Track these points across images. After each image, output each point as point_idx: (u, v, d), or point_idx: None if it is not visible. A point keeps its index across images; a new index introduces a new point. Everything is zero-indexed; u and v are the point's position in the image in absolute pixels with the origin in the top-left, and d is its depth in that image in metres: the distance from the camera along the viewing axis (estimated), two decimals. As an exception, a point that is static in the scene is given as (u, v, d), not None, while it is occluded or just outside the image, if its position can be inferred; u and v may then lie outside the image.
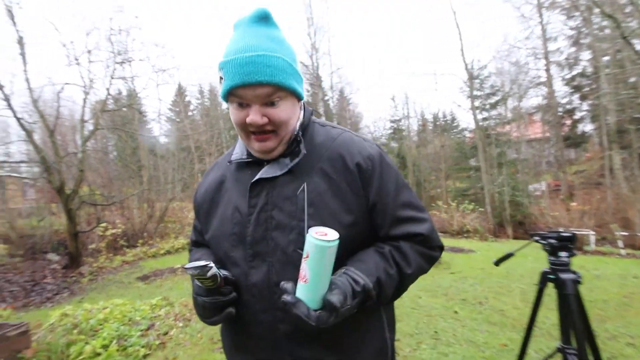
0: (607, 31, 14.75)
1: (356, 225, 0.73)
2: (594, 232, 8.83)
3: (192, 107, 31.37)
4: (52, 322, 3.37)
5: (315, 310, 0.61)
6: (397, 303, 3.99)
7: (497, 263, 1.39)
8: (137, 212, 10.96)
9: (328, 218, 0.71)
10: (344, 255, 0.70)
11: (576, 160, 22.64)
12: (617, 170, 13.64)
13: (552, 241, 1.13)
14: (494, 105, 17.95)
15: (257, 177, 0.74)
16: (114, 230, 8.45)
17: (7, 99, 6.71)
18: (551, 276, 1.17)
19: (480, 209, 12.34)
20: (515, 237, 12.78)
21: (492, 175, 15.10)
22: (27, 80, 7.21)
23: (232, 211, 0.77)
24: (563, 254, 1.13)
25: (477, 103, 17.04)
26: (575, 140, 21.33)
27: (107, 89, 8.69)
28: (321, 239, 0.59)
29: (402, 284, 0.76)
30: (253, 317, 0.74)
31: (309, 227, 0.66)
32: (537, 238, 1.19)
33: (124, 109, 10.84)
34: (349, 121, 26.79)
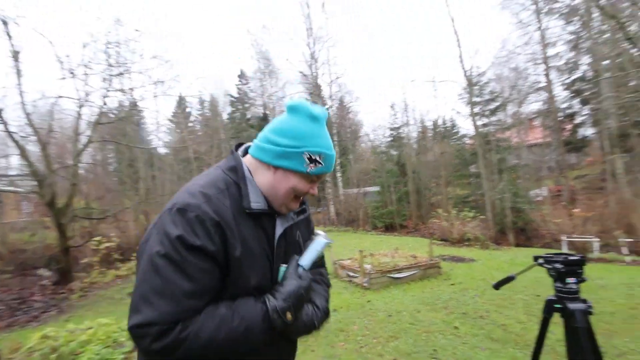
0: (607, 35, 14.73)
1: None
2: (597, 239, 8.62)
3: (192, 118, 31.48)
4: (31, 345, 3.19)
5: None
6: (395, 318, 3.75)
7: (497, 287, 1.24)
8: (133, 224, 10.80)
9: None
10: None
11: (577, 165, 22.43)
12: (619, 174, 13.45)
13: (558, 266, 0.98)
14: (493, 112, 17.87)
15: (281, 229, 0.95)
16: (108, 244, 8.27)
17: (-1, 112, 6.63)
18: (557, 305, 1.00)
19: (481, 216, 12.13)
20: (517, 245, 12.53)
21: (493, 181, 14.92)
22: (20, 93, 7.15)
23: (262, 257, 0.89)
24: (571, 280, 0.98)
25: (476, 109, 16.97)
26: (576, 145, 21.18)
27: (104, 102, 8.63)
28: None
29: None
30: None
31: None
32: (541, 261, 1.03)
33: (122, 121, 10.77)
34: (348, 129, 26.74)
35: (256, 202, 0.89)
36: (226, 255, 0.83)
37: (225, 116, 29.51)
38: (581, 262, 0.96)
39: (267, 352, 0.90)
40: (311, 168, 0.89)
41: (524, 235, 13.43)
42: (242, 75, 29.83)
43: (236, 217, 0.85)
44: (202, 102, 31.81)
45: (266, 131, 0.93)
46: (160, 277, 0.76)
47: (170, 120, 27.62)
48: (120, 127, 11.06)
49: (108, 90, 8.66)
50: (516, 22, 21.70)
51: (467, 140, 20.90)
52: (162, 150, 22.00)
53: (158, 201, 12.06)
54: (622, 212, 10.74)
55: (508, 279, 1.21)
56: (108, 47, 8.65)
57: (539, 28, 19.39)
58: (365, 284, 5.72)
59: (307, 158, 0.88)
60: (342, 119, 26.37)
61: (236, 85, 30.12)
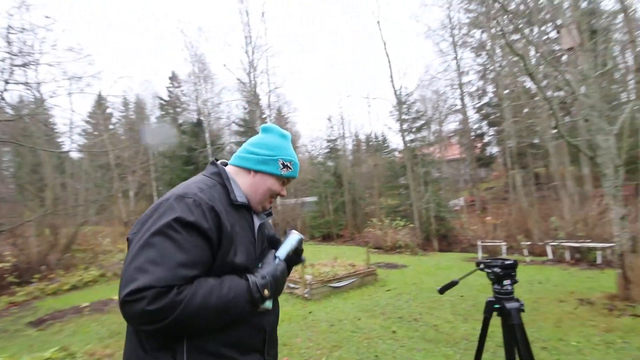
0: (507, 68, 17.37)
1: None
2: (505, 243, 9.95)
3: (114, 120, 28.43)
4: None
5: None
6: (337, 328, 3.78)
7: (442, 291, 1.35)
8: (35, 240, 9.22)
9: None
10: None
11: (486, 178, 25.68)
12: (518, 187, 15.80)
13: (497, 270, 1.11)
14: (419, 129, 19.62)
15: (258, 223, 1.13)
16: (0, 264, 6.92)
17: None
18: (496, 305, 1.14)
19: (410, 225, 13.09)
20: (441, 250, 13.78)
21: (419, 192, 16.28)
22: None
23: (248, 243, 1.04)
24: (506, 282, 1.12)
25: (405, 126, 18.43)
26: (485, 161, 24.33)
27: (0, 95, 7.29)
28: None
29: None
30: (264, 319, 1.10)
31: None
32: (482, 266, 1.16)
33: (26, 120, 9.21)
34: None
35: (240, 197, 1.08)
36: (219, 234, 0.94)
37: (153, 120, 27.34)
38: (515, 266, 1.11)
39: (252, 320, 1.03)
40: (284, 172, 1.13)
41: (446, 242, 14.85)
42: (174, 78, 28.05)
43: (225, 207, 1.01)
44: (126, 103, 29.03)
45: (246, 146, 1.16)
46: (155, 250, 0.85)
47: (87, 122, 24.58)
48: (23, 126, 9.46)
49: (8, 83, 7.36)
50: (437, 51, 24.47)
51: (397, 154, 22.57)
52: (76, 155, 19.36)
53: (70, 212, 10.52)
54: (521, 219, 12.57)
55: (452, 284, 1.32)
56: (10, 32, 7.38)
57: (455, 58, 22.12)
58: (306, 295, 5.71)
59: (281, 164, 1.13)
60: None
61: (167, 87, 28.22)
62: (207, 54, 37.42)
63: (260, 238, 1.12)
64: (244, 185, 1.12)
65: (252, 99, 20.85)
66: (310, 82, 45.07)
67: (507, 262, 1.10)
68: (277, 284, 1.04)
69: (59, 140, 17.74)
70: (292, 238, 1.16)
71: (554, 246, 8.73)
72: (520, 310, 1.11)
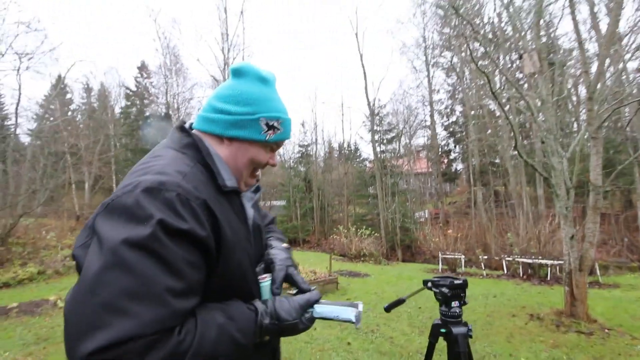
0: (474, 90, 18.29)
1: None
2: (464, 256, 10.26)
3: (72, 106, 26.60)
4: None
5: None
6: (291, 338, 3.54)
7: (388, 309, 1.24)
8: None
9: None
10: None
11: (450, 193, 26.71)
12: (479, 203, 16.50)
13: (445, 290, 1.02)
14: (390, 141, 20.06)
15: (249, 208, 0.87)
16: None
17: None
18: (443, 330, 1.04)
19: (375, 234, 13.21)
20: (404, 260, 14.03)
21: (387, 202, 16.54)
22: None
23: (245, 240, 0.79)
24: (455, 303, 1.03)
25: (376, 137, 18.75)
26: (450, 176, 25.31)
27: None
28: (266, 282, 0.85)
29: None
30: None
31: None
32: (429, 285, 1.07)
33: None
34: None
35: (229, 180, 0.78)
36: (218, 241, 0.68)
37: (117, 110, 25.82)
38: (465, 286, 1.03)
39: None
40: (270, 135, 0.80)
41: (410, 252, 15.15)
42: (143, 68, 26.76)
43: (214, 194, 0.72)
44: (88, 89, 27.29)
45: (211, 100, 0.80)
46: (134, 275, 0.55)
47: (41, 105, 22.79)
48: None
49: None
50: (411, 67, 25.30)
51: (368, 164, 22.94)
52: (25, 139, 17.81)
53: (9, 202, 9.54)
54: (480, 233, 13.09)
55: (398, 302, 1.22)
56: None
57: (428, 76, 23.00)
58: (263, 302, 5.49)
59: (264, 124, 0.79)
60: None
61: (135, 77, 26.86)
62: (180, 46, 36.13)
63: (253, 225, 0.86)
64: (224, 159, 0.81)
65: (226, 97, 20.32)
66: (285, 86, 44.96)
67: (456, 282, 1.01)
68: (281, 335, 0.78)
69: (8, 122, 16.23)
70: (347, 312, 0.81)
71: (509, 261, 9.11)
72: (468, 336, 1.01)
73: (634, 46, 4.39)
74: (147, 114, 25.21)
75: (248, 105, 0.78)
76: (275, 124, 0.81)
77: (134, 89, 26.49)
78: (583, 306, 4.26)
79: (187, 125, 0.84)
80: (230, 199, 0.78)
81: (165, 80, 23.27)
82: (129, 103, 26.34)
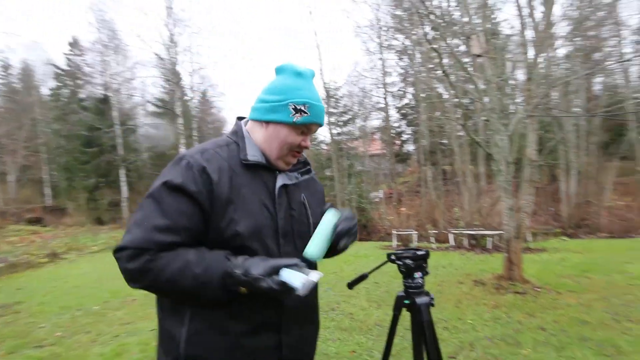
0: (424, 74, 18.93)
1: None
2: (416, 231, 10.87)
3: (-15, 86, 23.05)
4: None
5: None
6: None
7: (351, 286, 1.23)
8: None
9: (317, 217, 1.00)
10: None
11: (403, 173, 27.91)
12: (429, 181, 17.49)
13: (408, 261, 1.02)
14: (345, 123, 20.23)
15: (282, 182, 0.98)
16: None
17: None
18: (406, 301, 1.06)
19: (334, 215, 13.43)
20: (360, 239, 14.49)
21: (343, 184, 16.84)
22: None
23: (260, 207, 0.91)
24: (417, 274, 1.04)
25: (332, 119, 18.80)
26: (402, 157, 26.37)
27: None
28: (332, 213, 0.97)
29: None
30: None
31: (312, 223, 1.01)
32: (393, 258, 1.07)
33: None
34: (210, 125, 25.13)
35: (253, 155, 0.95)
36: (210, 197, 0.85)
37: (46, 91, 22.95)
38: (427, 257, 1.04)
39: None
40: (297, 117, 0.93)
41: (366, 231, 15.68)
42: (74, 44, 23.77)
43: (233, 167, 0.91)
44: (6, 67, 23.82)
45: (259, 94, 1.00)
46: (142, 212, 0.85)
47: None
48: None
49: None
50: (365, 50, 25.48)
51: (324, 146, 23.02)
52: None
53: None
54: (430, 210, 13.91)
55: (361, 278, 1.22)
56: None
57: (381, 58, 23.32)
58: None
59: (292, 108, 0.93)
60: (203, 113, 24.55)
61: (65, 54, 23.82)
62: (118, 20, 32.64)
63: (286, 201, 0.97)
64: (259, 140, 0.97)
65: (172, 78, 18.91)
66: (238, 67, 42.96)
67: (419, 253, 1.02)
68: (262, 290, 0.80)
69: None
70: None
71: (455, 234, 9.82)
72: (430, 305, 1.04)
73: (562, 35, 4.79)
74: (82, 95, 22.64)
75: (281, 93, 0.94)
76: (303, 108, 0.93)
77: (65, 67, 23.55)
78: (519, 269, 4.74)
79: (246, 116, 1.05)
80: (254, 171, 0.94)
81: (102, 58, 20.93)
82: (59, 84, 23.46)
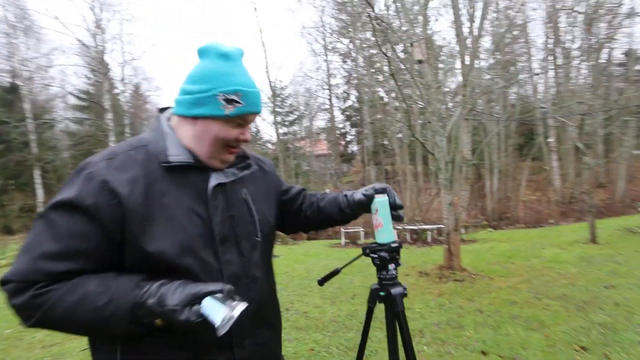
0: (367, 78, 19.75)
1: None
2: (362, 229, 11.27)
3: None
4: None
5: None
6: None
7: (322, 282, 1.22)
8: None
9: (266, 213, 0.98)
10: (269, 246, 1.00)
11: (348, 172, 28.76)
12: (372, 180, 18.29)
13: (383, 254, 1.04)
14: (292, 123, 20.23)
15: (216, 182, 0.85)
16: None
17: None
18: (381, 293, 1.07)
19: (282, 215, 13.34)
20: (309, 238, 14.61)
21: (291, 184, 16.85)
22: None
23: (188, 215, 0.79)
24: (392, 266, 1.06)
25: (278, 119, 18.64)
26: (347, 157, 27.20)
27: None
28: (383, 198, 1.02)
29: None
30: None
31: (258, 220, 0.92)
32: (367, 251, 1.08)
33: None
34: (145, 122, 23.20)
35: (176, 155, 0.81)
36: (117, 213, 0.72)
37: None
38: (400, 248, 1.06)
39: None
40: (229, 110, 0.81)
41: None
42: (-31, 22, 20.12)
43: (152, 173, 0.78)
44: None
45: (182, 83, 0.85)
46: (31, 236, 0.73)
47: None
48: None
49: None
50: (310, 51, 25.72)
51: (270, 146, 22.73)
52: None
53: None
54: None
55: (333, 273, 1.21)
56: None
57: (326, 60, 23.76)
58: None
59: (223, 100, 0.80)
60: (137, 109, 22.57)
61: (-44, 33, 20.01)
62: None
63: (223, 202, 0.85)
64: (187, 138, 0.83)
65: (99, 68, 17.04)
66: (176, 61, 40.36)
67: (393, 245, 1.04)
68: (178, 324, 0.68)
69: None
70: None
71: (398, 229, 10.40)
72: (404, 295, 1.07)
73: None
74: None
75: (205, 82, 0.80)
76: (235, 98, 0.81)
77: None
78: (457, 259, 5.18)
79: (167, 110, 0.91)
80: (180, 174, 0.81)
81: (9, 41, 18.02)
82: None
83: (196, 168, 0.83)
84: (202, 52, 0.84)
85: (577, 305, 3.58)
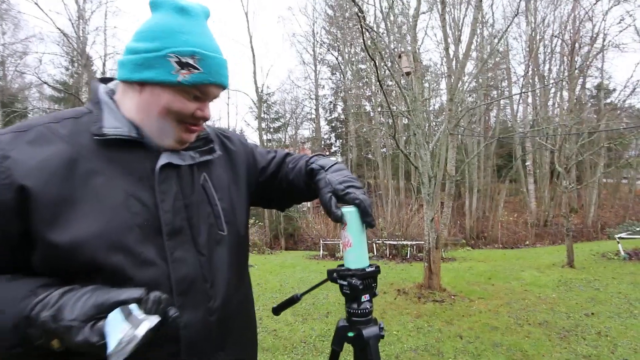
0: (354, 90, 19.88)
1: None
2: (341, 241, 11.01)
3: None
4: None
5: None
6: None
7: (277, 312, 0.94)
8: None
9: (234, 202, 0.80)
10: (239, 243, 0.80)
11: (331, 184, 28.74)
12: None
13: (355, 282, 0.77)
14: (277, 130, 19.99)
15: (165, 161, 0.68)
16: None
17: None
18: (350, 333, 0.80)
19: (260, 223, 12.94)
20: (287, 248, 14.24)
21: (272, 192, 16.52)
22: None
23: (124, 199, 0.63)
24: (365, 297, 0.80)
25: (263, 125, 18.37)
26: (331, 168, 27.17)
27: None
28: (351, 209, 0.73)
29: None
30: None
31: (222, 209, 0.76)
32: (334, 276, 0.81)
33: None
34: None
35: (113, 128, 0.64)
36: (19, 199, 0.55)
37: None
38: (377, 273, 0.81)
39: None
40: (183, 76, 0.64)
41: (292, 240, 15.48)
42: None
43: (80, 149, 0.62)
44: None
45: (128, 41, 0.67)
46: None
47: None
48: None
49: None
50: (300, 60, 25.82)
51: (254, 152, 22.41)
52: None
53: None
54: (355, 221, 14.40)
55: (291, 301, 0.93)
56: None
57: (315, 71, 23.87)
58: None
59: (175, 62, 0.63)
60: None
61: None
62: (11, -15, 27.25)
63: (179, 185, 0.69)
64: (131, 108, 0.67)
65: (80, 60, 16.34)
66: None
67: (368, 270, 0.78)
68: (75, 346, 0.51)
69: None
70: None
71: (378, 244, 10.20)
72: (380, 337, 0.80)
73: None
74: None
75: (155, 39, 0.64)
76: (190, 62, 0.64)
77: None
78: (437, 278, 4.98)
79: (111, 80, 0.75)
80: (117, 149, 0.65)
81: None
82: None
83: (141, 145, 0.67)
84: (156, 4, 0.67)
85: (560, 334, 3.42)
